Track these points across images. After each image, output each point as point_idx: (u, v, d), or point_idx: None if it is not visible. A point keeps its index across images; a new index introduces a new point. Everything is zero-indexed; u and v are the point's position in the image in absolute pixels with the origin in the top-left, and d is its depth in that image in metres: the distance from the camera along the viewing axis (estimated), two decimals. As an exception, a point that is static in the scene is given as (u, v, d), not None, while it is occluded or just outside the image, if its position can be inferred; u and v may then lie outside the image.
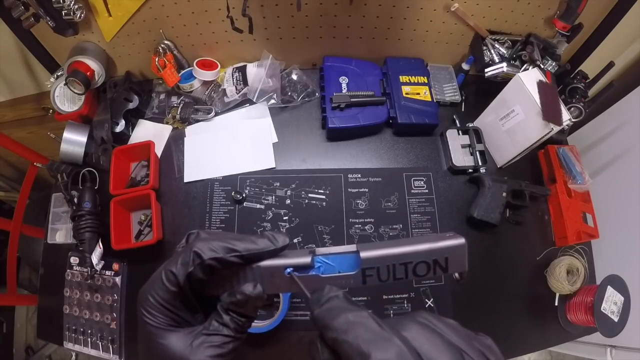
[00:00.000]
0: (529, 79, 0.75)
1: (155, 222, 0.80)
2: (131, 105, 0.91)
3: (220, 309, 0.31)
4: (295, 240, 0.83)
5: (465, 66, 0.95)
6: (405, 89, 0.89)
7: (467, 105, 0.97)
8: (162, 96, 0.96)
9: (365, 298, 0.79)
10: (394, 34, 0.90)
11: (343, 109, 0.87)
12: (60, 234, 0.87)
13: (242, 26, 0.80)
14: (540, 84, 0.75)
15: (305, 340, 0.77)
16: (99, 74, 0.87)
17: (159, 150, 0.90)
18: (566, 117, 0.75)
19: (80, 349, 0.79)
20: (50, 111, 1.08)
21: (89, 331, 0.79)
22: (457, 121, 0.94)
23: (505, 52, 0.90)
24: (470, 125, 0.92)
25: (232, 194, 0.84)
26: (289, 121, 0.94)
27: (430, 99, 0.89)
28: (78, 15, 0.74)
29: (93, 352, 0.78)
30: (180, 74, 0.91)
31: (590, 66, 0.94)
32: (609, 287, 0.79)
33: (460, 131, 0.92)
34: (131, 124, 0.93)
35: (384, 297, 0.80)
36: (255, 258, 0.31)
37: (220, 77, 0.94)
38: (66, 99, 0.89)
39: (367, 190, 0.87)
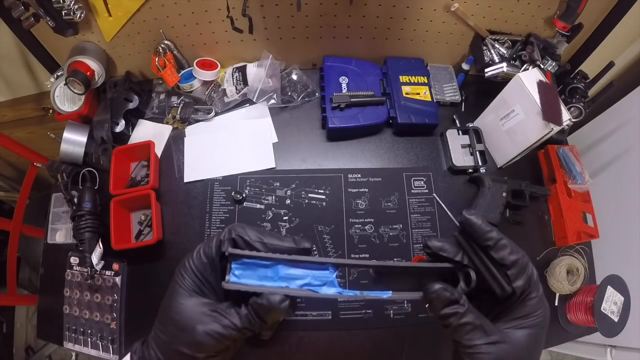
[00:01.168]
0: (529, 79, 0.75)
1: (155, 222, 0.80)
2: (131, 105, 0.91)
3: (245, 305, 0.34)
4: (295, 240, 0.83)
5: (465, 66, 0.95)
6: (405, 89, 0.89)
7: (467, 105, 0.97)
8: (162, 96, 0.96)
9: (365, 298, 0.79)
10: (394, 34, 0.90)
11: (343, 109, 0.86)
12: (60, 234, 0.87)
13: (242, 26, 0.80)
14: (540, 84, 0.75)
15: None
16: (99, 74, 0.87)
17: (159, 150, 0.90)
18: (566, 117, 0.75)
19: (80, 349, 0.79)
20: (50, 111, 1.08)
21: (89, 331, 0.79)
22: (457, 121, 0.94)
23: (505, 52, 0.90)
24: (470, 125, 0.92)
25: (232, 194, 0.84)
26: (289, 121, 0.94)
27: (430, 99, 0.89)
28: (78, 15, 0.74)
29: (93, 352, 0.78)
30: (180, 74, 0.91)
31: (590, 66, 0.94)
32: (609, 287, 0.79)
33: (460, 131, 0.92)
34: (131, 124, 0.93)
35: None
36: (276, 250, 0.36)
37: (220, 77, 0.94)
38: (66, 99, 0.89)
39: (367, 190, 0.87)
